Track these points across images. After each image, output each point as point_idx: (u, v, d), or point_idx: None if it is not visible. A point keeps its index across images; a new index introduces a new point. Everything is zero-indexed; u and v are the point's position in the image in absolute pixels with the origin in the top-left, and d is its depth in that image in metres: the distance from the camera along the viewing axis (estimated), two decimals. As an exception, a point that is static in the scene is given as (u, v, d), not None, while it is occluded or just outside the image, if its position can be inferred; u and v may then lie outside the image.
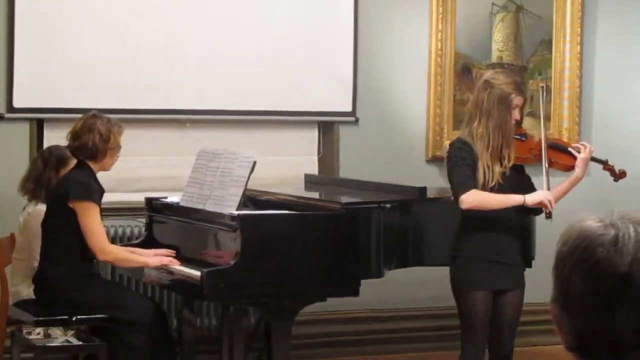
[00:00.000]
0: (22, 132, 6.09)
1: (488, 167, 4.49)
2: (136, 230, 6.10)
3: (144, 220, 5.72)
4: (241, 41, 6.42)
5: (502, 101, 4.53)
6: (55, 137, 5.81)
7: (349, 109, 6.68)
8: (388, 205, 4.92)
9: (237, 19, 6.43)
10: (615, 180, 4.96)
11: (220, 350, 5.44)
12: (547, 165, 4.64)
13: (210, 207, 5.02)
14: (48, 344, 5.10)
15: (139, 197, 5.95)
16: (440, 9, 6.78)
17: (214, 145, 5.53)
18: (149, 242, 5.45)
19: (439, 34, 6.80)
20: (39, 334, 5.18)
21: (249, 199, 5.07)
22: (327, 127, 6.75)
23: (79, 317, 5.02)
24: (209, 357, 5.86)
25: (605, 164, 4.92)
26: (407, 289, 6.58)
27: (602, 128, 7.19)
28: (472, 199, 4.44)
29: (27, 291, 5.38)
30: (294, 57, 6.53)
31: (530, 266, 4.94)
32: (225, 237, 4.86)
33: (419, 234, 5.07)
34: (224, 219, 4.85)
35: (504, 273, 4.59)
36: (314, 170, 6.69)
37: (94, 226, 5.00)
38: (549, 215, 4.47)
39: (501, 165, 4.54)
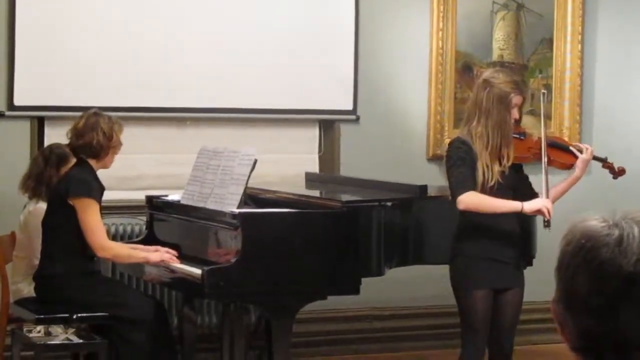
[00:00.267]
0: (22, 130, 6.09)
1: (487, 166, 4.49)
2: (137, 228, 6.11)
3: (144, 218, 5.72)
4: (242, 39, 6.42)
5: (501, 100, 4.52)
6: (56, 135, 5.81)
7: (350, 107, 6.68)
8: (389, 204, 4.92)
9: (238, 17, 6.43)
10: (615, 177, 4.96)
11: (220, 349, 5.44)
12: (546, 165, 4.63)
13: (211, 205, 5.02)
14: (48, 342, 5.11)
15: (139, 195, 5.95)
16: (441, 7, 6.78)
17: (214, 143, 5.53)
18: (149, 240, 5.45)
19: (440, 32, 6.79)
20: (39, 332, 5.18)
21: (250, 197, 5.08)
22: (328, 125, 6.75)
23: (79, 315, 5.02)
24: (209, 355, 5.86)
25: (604, 162, 4.92)
26: (408, 287, 6.58)
27: (603, 126, 7.19)
28: (470, 200, 4.43)
29: (27, 289, 5.38)
30: (295, 55, 6.53)
31: (531, 264, 4.94)
32: (226, 235, 4.86)
33: (419, 232, 5.06)
34: (224, 217, 4.85)
35: (504, 272, 4.58)
36: (314, 168, 6.69)
37: (93, 223, 5.00)
38: (547, 224, 4.42)
39: (500, 164, 4.53)
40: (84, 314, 5.04)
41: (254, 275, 4.64)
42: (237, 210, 4.79)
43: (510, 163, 4.56)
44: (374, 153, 6.70)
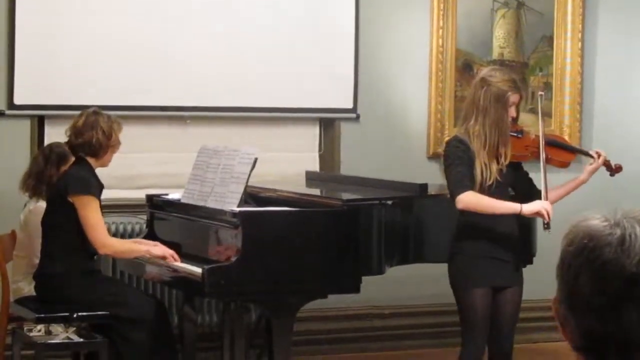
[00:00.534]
0: (23, 129, 6.09)
1: (485, 165, 4.48)
2: (137, 227, 6.11)
3: (145, 217, 5.72)
4: (242, 37, 6.42)
5: (498, 99, 4.51)
6: (56, 134, 5.81)
7: (350, 105, 6.67)
8: (389, 202, 4.92)
9: (238, 15, 6.43)
10: (612, 174, 4.94)
11: (221, 347, 5.44)
12: (545, 165, 4.62)
13: (211, 204, 5.02)
14: (49, 341, 5.10)
15: (139, 194, 5.95)
16: (442, 5, 6.77)
17: (214, 142, 5.53)
18: (150, 238, 5.43)
19: (440, 31, 6.79)
20: (40, 331, 5.18)
21: (250, 196, 5.07)
22: (328, 123, 6.75)
23: (80, 314, 5.01)
24: (210, 354, 5.86)
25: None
26: (408, 285, 6.58)
27: (603, 124, 7.19)
28: (469, 200, 4.42)
29: (28, 288, 5.38)
30: (295, 54, 6.52)
31: (531, 263, 4.95)
32: (226, 234, 4.86)
33: (419, 230, 5.06)
34: (225, 216, 4.85)
35: (502, 270, 4.58)
36: (315, 167, 6.69)
37: (94, 220, 5.00)
38: (547, 226, 4.39)
39: (498, 163, 4.53)
40: (85, 313, 5.03)
41: (254, 274, 4.64)
42: (238, 209, 4.79)
43: (508, 161, 4.55)
44: (374, 151, 6.69)
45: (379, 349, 6.70)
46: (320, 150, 6.76)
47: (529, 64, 7.07)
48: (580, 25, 7.10)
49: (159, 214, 5.54)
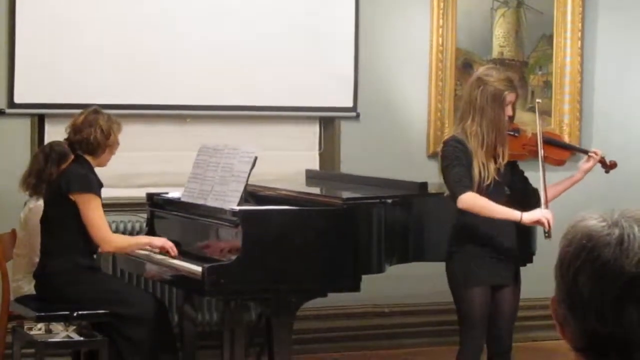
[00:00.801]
0: (23, 128, 6.09)
1: (483, 165, 4.47)
2: (137, 226, 6.11)
3: (145, 215, 5.73)
4: (242, 36, 6.42)
5: (495, 98, 4.50)
6: (56, 132, 5.81)
7: (350, 104, 6.68)
8: (389, 201, 4.92)
9: (238, 14, 6.43)
10: (607, 171, 4.93)
11: (221, 346, 5.44)
12: (544, 170, 4.60)
13: (211, 203, 5.02)
14: (49, 340, 5.11)
15: (140, 193, 5.95)
16: (441, 4, 6.78)
17: (214, 140, 5.54)
18: (150, 237, 5.46)
19: (440, 30, 6.79)
20: (40, 329, 5.18)
21: (250, 195, 5.08)
22: (328, 122, 6.75)
23: (80, 312, 5.02)
24: (209, 352, 5.86)
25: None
26: (408, 284, 6.58)
27: (603, 123, 7.19)
28: (471, 201, 4.41)
29: (28, 287, 5.39)
30: (295, 52, 6.52)
31: (531, 261, 4.95)
32: (226, 232, 4.87)
33: (419, 229, 5.07)
34: (225, 215, 4.85)
35: (501, 268, 4.58)
36: (315, 165, 6.69)
37: (96, 218, 5.01)
38: (548, 235, 4.36)
39: (495, 162, 4.53)
40: (85, 312, 5.03)
41: (254, 273, 4.64)
42: (238, 208, 4.79)
43: (505, 161, 4.55)
44: (374, 150, 6.70)
45: (378, 347, 6.71)
46: (320, 149, 6.76)
47: (529, 63, 7.07)
48: (580, 24, 7.10)
49: (159, 212, 5.54)
